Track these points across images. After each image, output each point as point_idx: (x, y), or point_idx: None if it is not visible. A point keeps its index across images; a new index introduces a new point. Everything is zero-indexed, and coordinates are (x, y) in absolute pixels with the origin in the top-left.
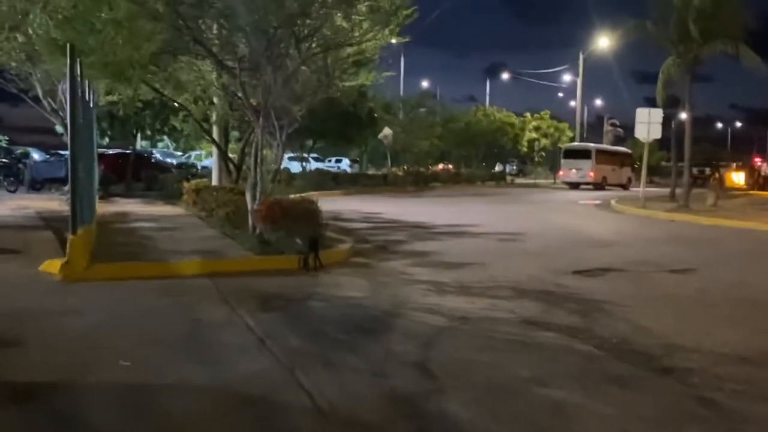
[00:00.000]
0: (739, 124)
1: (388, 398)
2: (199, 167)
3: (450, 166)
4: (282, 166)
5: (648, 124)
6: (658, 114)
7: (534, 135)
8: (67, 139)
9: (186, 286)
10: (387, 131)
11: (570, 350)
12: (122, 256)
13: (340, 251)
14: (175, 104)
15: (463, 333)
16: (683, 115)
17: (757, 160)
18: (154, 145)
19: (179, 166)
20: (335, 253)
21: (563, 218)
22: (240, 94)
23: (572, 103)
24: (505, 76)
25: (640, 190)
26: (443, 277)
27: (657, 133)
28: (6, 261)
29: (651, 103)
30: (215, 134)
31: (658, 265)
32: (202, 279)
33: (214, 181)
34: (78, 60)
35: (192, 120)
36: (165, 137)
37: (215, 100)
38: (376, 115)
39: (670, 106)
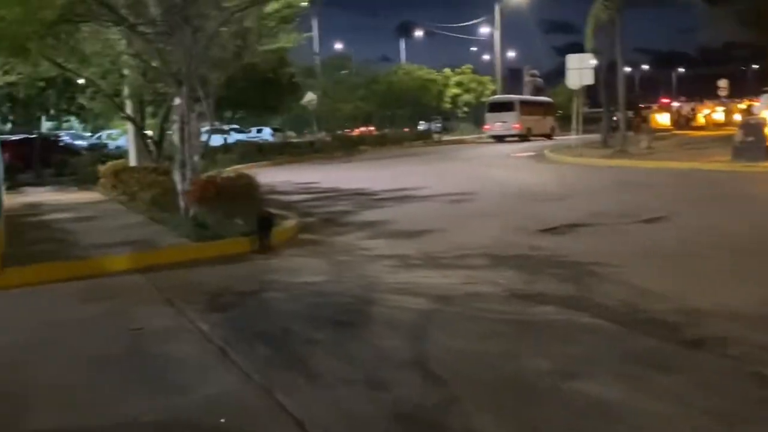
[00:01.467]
0: (645, 67)
1: (396, 417)
2: (110, 148)
3: (371, 129)
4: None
5: (579, 70)
6: (588, 59)
7: (457, 90)
8: None
9: (118, 285)
10: (311, 96)
11: (580, 327)
12: (39, 256)
13: (286, 228)
14: (82, 80)
15: (452, 316)
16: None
17: (665, 101)
18: (60, 128)
19: (90, 147)
20: (281, 232)
21: (504, 173)
22: (156, 63)
23: (486, 57)
24: (418, 33)
25: (572, 137)
26: (406, 249)
27: (589, 79)
28: None
29: (559, 51)
30: (129, 110)
31: (624, 216)
32: (135, 275)
33: (132, 162)
34: None
35: (102, 96)
36: (72, 118)
37: (126, 71)
38: (296, 80)
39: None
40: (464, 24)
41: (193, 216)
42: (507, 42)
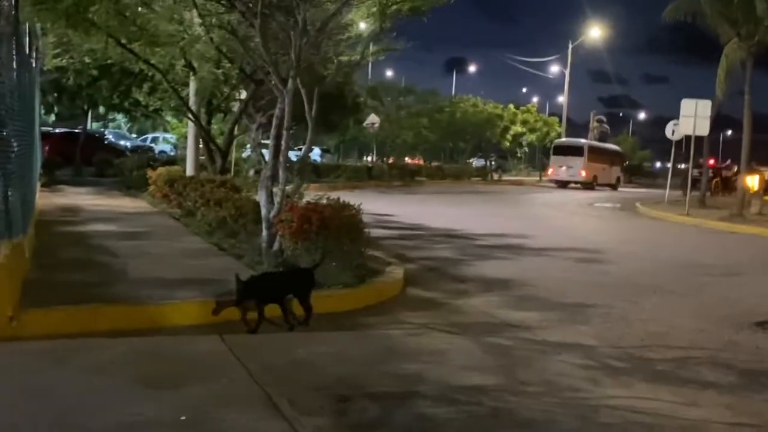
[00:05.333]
0: None
1: None
2: (156, 152)
3: (419, 161)
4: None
5: (694, 117)
6: (706, 107)
7: (521, 129)
8: None
9: (187, 356)
10: (374, 118)
11: None
12: (73, 291)
13: (393, 280)
14: (142, 70)
15: None
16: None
17: (711, 162)
18: (106, 125)
19: (134, 149)
20: (387, 284)
21: (614, 228)
22: (249, 50)
23: (535, 99)
24: (471, 68)
25: (666, 193)
26: (579, 334)
27: (704, 129)
28: None
29: (605, 102)
30: (193, 109)
31: None
32: (210, 338)
33: (189, 170)
34: None
35: (163, 91)
36: (120, 115)
37: (195, 63)
38: (361, 99)
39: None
40: (540, 60)
41: (277, 250)
42: (555, 87)
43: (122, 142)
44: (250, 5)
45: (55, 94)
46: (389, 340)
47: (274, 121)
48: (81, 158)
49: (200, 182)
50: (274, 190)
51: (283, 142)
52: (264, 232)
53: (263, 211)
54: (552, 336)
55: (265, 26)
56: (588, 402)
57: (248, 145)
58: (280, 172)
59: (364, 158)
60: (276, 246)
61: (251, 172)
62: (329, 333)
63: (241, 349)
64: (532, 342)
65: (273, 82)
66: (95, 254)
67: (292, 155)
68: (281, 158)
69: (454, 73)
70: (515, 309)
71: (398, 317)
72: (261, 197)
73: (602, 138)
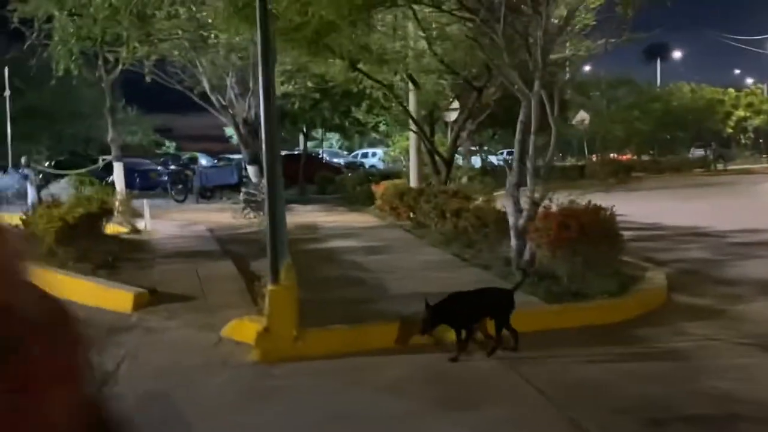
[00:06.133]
0: None
1: None
2: (366, 167)
3: (630, 155)
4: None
5: None
6: None
7: (745, 113)
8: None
9: (468, 375)
10: (583, 115)
11: None
12: (341, 309)
13: (657, 287)
14: (361, 89)
15: None
16: None
17: None
18: (321, 144)
19: (347, 166)
20: (652, 293)
21: None
22: (488, 56)
23: (749, 81)
24: (676, 53)
25: None
26: None
27: None
28: (177, 315)
29: None
30: (412, 124)
31: None
32: (484, 354)
33: (413, 182)
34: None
35: (386, 106)
36: (333, 135)
37: (417, 77)
38: (567, 96)
39: None
40: (745, 37)
41: (529, 260)
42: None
43: (336, 160)
44: (491, 11)
45: (282, 119)
46: (680, 355)
47: (519, 126)
48: (303, 177)
49: (433, 193)
50: (521, 197)
51: (529, 147)
52: (513, 241)
53: (511, 220)
54: None
55: (506, 30)
56: None
57: (461, 152)
58: (528, 179)
59: (570, 157)
60: (527, 255)
61: (464, 179)
62: (612, 349)
63: (522, 368)
64: None
65: (516, 86)
66: (348, 270)
67: (493, 159)
68: (528, 164)
69: (652, 63)
70: None
71: (676, 328)
72: (507, 205)
73: None
